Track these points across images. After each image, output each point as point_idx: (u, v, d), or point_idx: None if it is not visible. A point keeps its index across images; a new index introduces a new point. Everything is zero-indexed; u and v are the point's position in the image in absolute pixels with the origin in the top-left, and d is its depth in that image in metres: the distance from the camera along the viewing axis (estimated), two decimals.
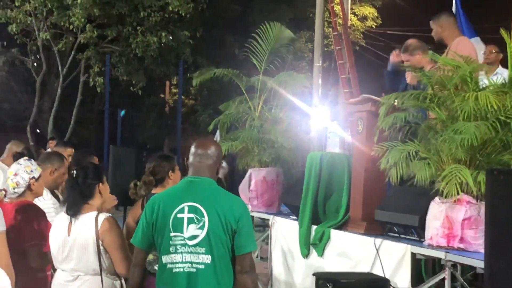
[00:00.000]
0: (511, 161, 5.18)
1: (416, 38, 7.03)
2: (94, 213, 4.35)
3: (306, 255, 6.78)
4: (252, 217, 7.92)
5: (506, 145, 5.25)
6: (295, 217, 7.27)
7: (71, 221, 4.36)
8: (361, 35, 25.81)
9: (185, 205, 3.88)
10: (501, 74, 7.24)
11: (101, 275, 4.30)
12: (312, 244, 6.75)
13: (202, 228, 3.82)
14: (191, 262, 3.82)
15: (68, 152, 7.60)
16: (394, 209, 5.91)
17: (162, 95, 31.55)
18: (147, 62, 20.75)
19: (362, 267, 6.03)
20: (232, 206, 3.90)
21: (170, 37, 19.50)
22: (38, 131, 23.20)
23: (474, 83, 5.37)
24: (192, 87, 24.32)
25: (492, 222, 3.70)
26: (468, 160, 5.25)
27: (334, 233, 6.53)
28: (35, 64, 21.70)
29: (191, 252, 3.82)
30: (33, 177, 4.74)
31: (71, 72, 21.11)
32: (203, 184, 3.94)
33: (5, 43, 20.89)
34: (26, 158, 4.90)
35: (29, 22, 19.39)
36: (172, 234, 3.86)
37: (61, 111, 21.99)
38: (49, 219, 4.99)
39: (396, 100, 5.66)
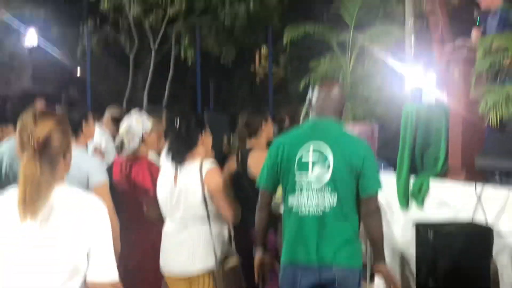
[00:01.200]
0: None
1: None
2: (198, 161, 4.43)
3: (405, 207, 6.73)
4: None
5: None
6: (392, 171, 7.21)
7: (176, 171, 4.45)
8: None
9: (310, 146, 3.88)
10: None
11: (209, 222, 4.39)
12: (411, 195, 6.69)
13: (327, 168, 3.81)
14: (317, 204, 3.82)
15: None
16: (495, 155, 5.79)
17: (252, 65, 31.63)
18: (236, 33, 20.79)
19: (463, 216, 5.94)
20: (357, 147, 3.88)
21: (258, 5, 19.40)
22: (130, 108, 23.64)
23: None
24: (281, 53, 24.18)
25: None
26: None
27: (434, 183, 6.44)
28: (126, 39, 22.08)
29: (317, 194, 3.82)
30: (146, 131, 4.85)
31: (162, 47, 21.42)
32: (328, 124, 3.94)
33: (98, 20, 21.35)
34: (136, 110, 5.03)
35: None
36: (297, 175, 3.87)
37: (155, 87, 22.39)
38: None
39: (492, 42, 5.50)
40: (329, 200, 3.80)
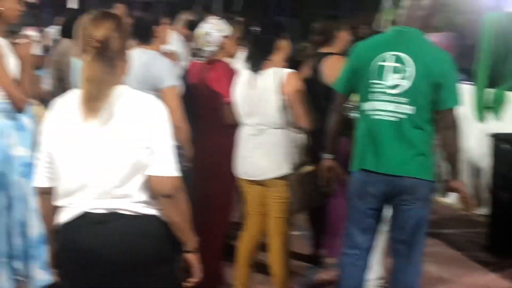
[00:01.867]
0: None
1: None
2: (276, 68, 4.41)
3: (481, 118, 6.64)
4: None
5: None
6: (468, 82, 7.09)
7: (254, 77, 4.46)
8: None
9: (390, 53, 3.80)
10: None
11: (285, 128, 4.43)
12: (488, 107, 6.59)
13: (405, 78, 3.75)
14: (392, 111, 3.78)
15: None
16: None
17: None
18: None
19: None
20: (439, 59, 3.77)
21: None
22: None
23: None
24: None
25: None
26: None
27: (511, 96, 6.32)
28: None
29: (392, 101, 3.78)
30: (225, 36, 4.86)
31: None
32: (411, 34, 3.83)
33: None
34: (217, 17, 5.00)
35: None
36: (373, 82, 3.82)
37: None
38: None
39: None
40: (405, 108, 3.74)
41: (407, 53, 3.76)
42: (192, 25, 6.60)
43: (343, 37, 5.22)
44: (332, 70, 4.76)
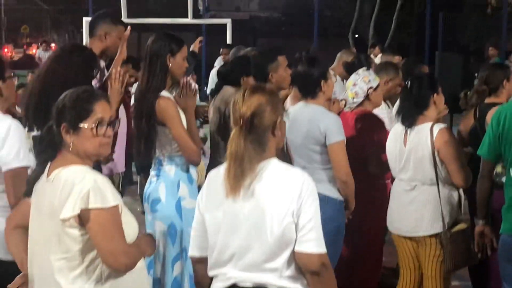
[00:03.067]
0: None
1: None
2: (429, 123, 4.33)
3: None
4: None
5: None
6: None
7: (406, 132, 4.40)
8: None
9: None
10: None
11: (437, 185, 4.30)
12: None
13: None
14: None
15: (396, 60, 7.66)
16: None
17: None
18: None
19: None
20: None
21: None
22: (357, 36, 23.56)
23: None
24: None
25: None
26: None
27: None
28: None
29: None
30: (371, 87, 4.83)
31: None
32: None
33: None
34: (364, 68, 5.01)
35: None
36: None
37: (381, 16, 22.03)
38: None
39: None
40: None
41: None
42: (348, 67, 6.60)
43: (510, 87, 5.02)
44: None
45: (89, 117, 2.79)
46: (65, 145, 2.81)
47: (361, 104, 4.86)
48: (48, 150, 2.85)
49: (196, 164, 4.22)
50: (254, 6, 41.43)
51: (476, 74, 16.26)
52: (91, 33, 4.74)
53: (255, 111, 2.66)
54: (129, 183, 6.32)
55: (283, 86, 4.92)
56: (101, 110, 2.83)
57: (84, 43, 17.27)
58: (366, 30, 22.54)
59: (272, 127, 2.71)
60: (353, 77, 4.90)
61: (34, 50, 33.65)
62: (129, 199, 7.26)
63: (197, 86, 4.38)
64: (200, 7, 22.43)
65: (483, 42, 29.27)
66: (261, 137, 2.68)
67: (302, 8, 33.27)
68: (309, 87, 4.52)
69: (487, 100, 5.02)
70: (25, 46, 38.60)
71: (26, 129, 4.00)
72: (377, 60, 16.14)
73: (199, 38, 8.44)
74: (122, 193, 5.08)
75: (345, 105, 4.91)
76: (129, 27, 4.71)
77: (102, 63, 4.71)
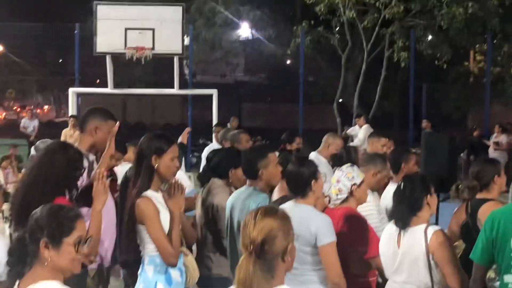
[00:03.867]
0: None
1: None
2: (423, 225, 4.30)
3: None
4: None
5: None
6: None
7: (400, 233, 4.36)
8: None
9: None
10: None
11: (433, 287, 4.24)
12: None
13: None
14: None
15: (382, 142, 7.66)
16: None
17: (466, 63, 30.56)
18: (452, 34, 20.15)
19: None
20: None
21: (477, 7, 18.63)
22: (341, 100, 23.78)
23: None
24: (499, 56, 23.15)
25: None
26: None
27: None
28: (338, 40, 22.19)
29: None
30: (355, 184, 4.80)
31: (374, 47, 21.27)
32: None
33: (312, 22, 21.56)
34: (348, 164, 4.99)
35: (337, 1, 19.83)
36: None
37: (365, 85, 22.30)
38: (371, 221, 5.07)
39: None
40: None
41: None
42: (336, 160, 6.63)
43: (502, 182, 5.03)
44: None
45: (71, 234, 2.82)
46: (40, 260, 2.79)
47: (345, 200, 4.81)
48: (18, 265, 2.81)
49: (172, 265, 4.19)
50: (239, 71, 41.85)
51: (461, 155, 16.55)
52: (82, 129, 4.75)
53: (266, 237, 2.59)
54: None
55: (273, 183, 4.90)
56: (81, 228, 2.87)
57: (69, 114, 17.29)
58: (350, 98, 22.74)
59: (283, 253, 2.64)
60: (337, 173, 4.88)
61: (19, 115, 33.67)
62: None
63: (185, 187, 4.32)
64: (187, 77, 22.61)
65: (466, 111, 29.79)
66: (270, 264, 2.61)
67: (286, 74, 33.66)
68: (299, 187, 4.49)
69: (479, 196, 5.02)
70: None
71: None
72: (362, 131, 16.34)
73: (187, 129, 8.60)
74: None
75: (329, 202, 4.86)
76: (117, 123, 4.72)
77: (92, 157, 4.70)
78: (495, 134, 17.84)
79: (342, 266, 4.51)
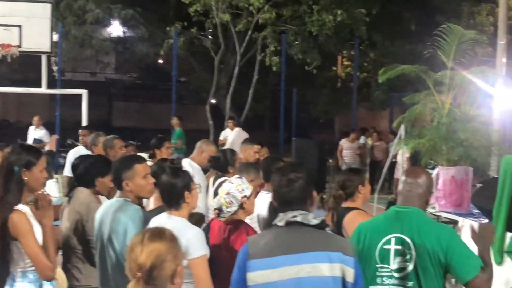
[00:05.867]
0: None
1: None
2: None
3: (499, 262, 6.51)
4: (438, 216, 7.73)
5: None
6: (486, 220, 7.00)
7: None
8: None
9: (392, 236, 3.83)
10: None
11: None
12: (507, 252, 6.48)
13: (409, 261, 3.76)
14: None
15: (255, 148, 7.78)
16: None
17: (334, 68, 31.48)
18: (321, 40, 20.71)
19: None
20: (439, 237, 3.76)
21: (345, 15, 19.27)
22: (214, 101, 23.90)
23: None
24: (366, 63, 24.05)
25: None
26: None
27: None
28: (212, 42, 22.28)
29: (398, 285, 3.78)
30: (245, 196, 4.80)
31: (247, 51, 21.50)
32: (411, 214, 3.86)
33: (185, 23, 21.51)
34: (237, 176, 4.99)
35: (211, 2, 19.88)
36: (378, 265, 3.83)
37: (238, 90, 22.53)
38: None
39: None
40: None
41: (408, 234, 3.78)
42: (214, 162, 6.65)
43: (366, 191, 5.22)
44: (354, 226, 4.70)
45: None
46: None
47: (234, 212, 4.80)
48: None
49: (49, 280, 4.07)
50: (110, 69, 41.08)
51: (330, 161, 17.04)
52: None
53: (155, 262, 2.52)
54: None
55: (142, 195, 4.80)
56: None
57: None
58: (223, 100, 22.88)
59: (172, 276, 2.60)
60: (226, 185, 4.84)
61: None
62: None
63: (52, 197, 4.20)
64: (55, 74, 21.95)
65: (334, 115, 30.69)
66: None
67: (159, 74, 33.41)
68: (172, 198, 4.44)
69: (344, 205, 5.17)
70: None
71: None
72: (233, 134, 16.48)
73: (54, 137, 8.31)
74: None
75: (218, 215, 4.83)
76: None
77: None
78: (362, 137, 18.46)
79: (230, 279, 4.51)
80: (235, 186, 4.79)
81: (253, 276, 3.44)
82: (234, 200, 4.74)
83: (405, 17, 22.59)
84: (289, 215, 3.47)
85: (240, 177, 4.95)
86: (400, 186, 3.98)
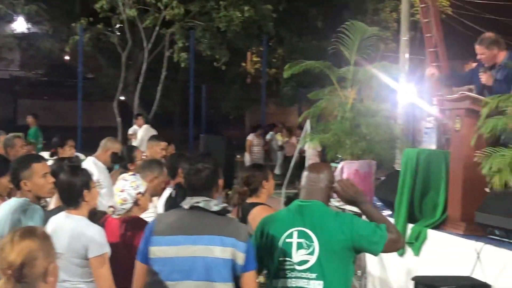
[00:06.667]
0: None
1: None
2: None
3: (401, 253, 6.68)
4: (343, 209, 7.86)
5: None
6: (389, 212, 7.17)
7: None
8: (448, 3, 25.02)
9: (294, 229, 3.87)
10: None
11: None
12: (408, 243, 6.65)
13: (312, 253, 3.81)
14: (302, 287, 3.81)
15: (162, 145, 7.70)
16: (496, 212, 5.73)
17: (243, 64, 31.63)
18: (229, 36, 20.75)
19: (461, 270, 5.90)
20: (341, 226, 3.83)
21: (253, 11, 19.37)
22: (123, 98, 23.62)
23: None
24: (274, 59, 24.25)
25: None
26: None
27: (431, 233, 6.40)
28: (119, 39, 21.98)
29: (301, 278, 3.82)
30: (140, 192, 4.77)
31: (155, 47, 21.31)
32: (313, 207, 3.92)
33: (91, 19, 21.13)
34: (131, 173, 4.95)
35: None
36: (281, 259, 3.87)
37: (147, 84, 22.33)
38: None
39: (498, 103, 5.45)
40: (314, 284, 3.80)
41: (310, 227, 3.84)
42: (116, 159, 6.55)
43: (270, 186, 5.26)
44: (258, 221, 4.73)
45: None
46: None
47: (129, 209, 4.77)
48: None
49: None
50: (14, 66, 39.92)
51: (238, 156, 17.11)
52: None
53: (25, 259, 2.49)
54: None
55: (41, 194, 4.70)
56: None
57: None
58: (131, 96, 22.62)
59: (44, 274, 2.55)
60: (120, 183, 4.81)
61: None
62: None
63: None
64: None
65: (244, 111, 30.85)
66: (31, 287, 2.51)
67: (65, 70, 32.69)
68: (71, 197, 4.36)
69: (249, 200, 5.19)
70: None
71: None
72: (141, 131, 16.32)
73: None
74: None
75: (113, 212, 4.77)
76: None
77: None
78: (271, 133, 18.64)
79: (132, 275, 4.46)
80: (129, 183, 4.77)
81: (154, 250, 3.76)
82: (129, 197, 4.73)
83: (312, 13, 22.89)
84: (194, 200, 3.79)
85: (134, 174, 4.93)
86: (303, 181, 4.03)
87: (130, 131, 17.01)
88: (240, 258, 3.68)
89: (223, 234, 3.70)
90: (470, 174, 6.05)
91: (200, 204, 3.76)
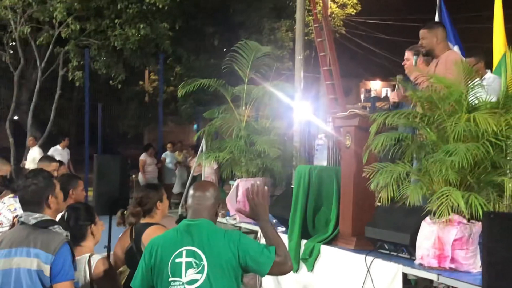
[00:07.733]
0: (502, 181, 5.17)
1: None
2: (87, 255, 4.29)
3: (296, 270, 6.76)
4: (240, 227, 7.91)
5: (497, 166, 5.26)
6: (283, 229, 7.26)
7: None
8: (341, 23, 25.68)
9: (183, 249, 3.85)
10: (486, 80, 7.08)
11: None
12: (302, 259, 6.75)
13: (201, 272, 3.80)
14: None
15: (52, 167, 7.51)
16: (384, 226, 5.91)
17: (141, 83, 31.36)
18: (126, 54, 20.53)
19: (353, 284, 6.04)
20: (229, 243, 3.84)
21: (149, 29, 19.25)
22: (16, 118, 22.94)
23: (467, 104, 5.34)
24: (172, 77, 24.16)
25: (489, 264, 3.71)
26: (458, 181, 5.24)
27: (324, 249, 6.52)
28: (10, 57, 21.37)
29: None
30: (17, 215, 4.66)
31: (49, 65, 20.83)
32: (201, 226, 3.91)
33: None
34: (10, 195, 4.84)
35: (8, 16, 19.06)
36: (170, 279, 3.83)
37: (41, 103, 21.78)
38: None
39: (385, 119, 5.60)
40: None
41: (198, 246, 3.85)
42: (2, 182, 6.34)
43: (164, 207, 5.24)
44: None
45: None
46: None
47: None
48: None
49: None
50: None
51: (133, 176, 16.92)
52: None
53: None
54: None
55: None
56: None
57: None
58: (25, 116, 21.98)
59: None
60: None
61: None
62: None
63: None
64: None
65: (142, 130, 30.56)
66: None
67: None
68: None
69: (143, 220, 5.14)
70: None
71: None
72: (33, 152, 15.90)
73: None
74: None
75: None
76: None
77: None
78: (167, 152, 18.53)
79: None
80: (7, 206, 4.70)
81: None
82: (6, 221, 4.65)
83: (208, 32, 22.94)
84: (22, 216, 4.06)
85: (14, 197, 4.83)
86: (189, 200, 4.02)
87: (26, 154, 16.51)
88: (46, 270, 3.90)
89: (31, 246, 3.94)
90: (360, 190, 6.21)
91: (22, 219, 4.02)
